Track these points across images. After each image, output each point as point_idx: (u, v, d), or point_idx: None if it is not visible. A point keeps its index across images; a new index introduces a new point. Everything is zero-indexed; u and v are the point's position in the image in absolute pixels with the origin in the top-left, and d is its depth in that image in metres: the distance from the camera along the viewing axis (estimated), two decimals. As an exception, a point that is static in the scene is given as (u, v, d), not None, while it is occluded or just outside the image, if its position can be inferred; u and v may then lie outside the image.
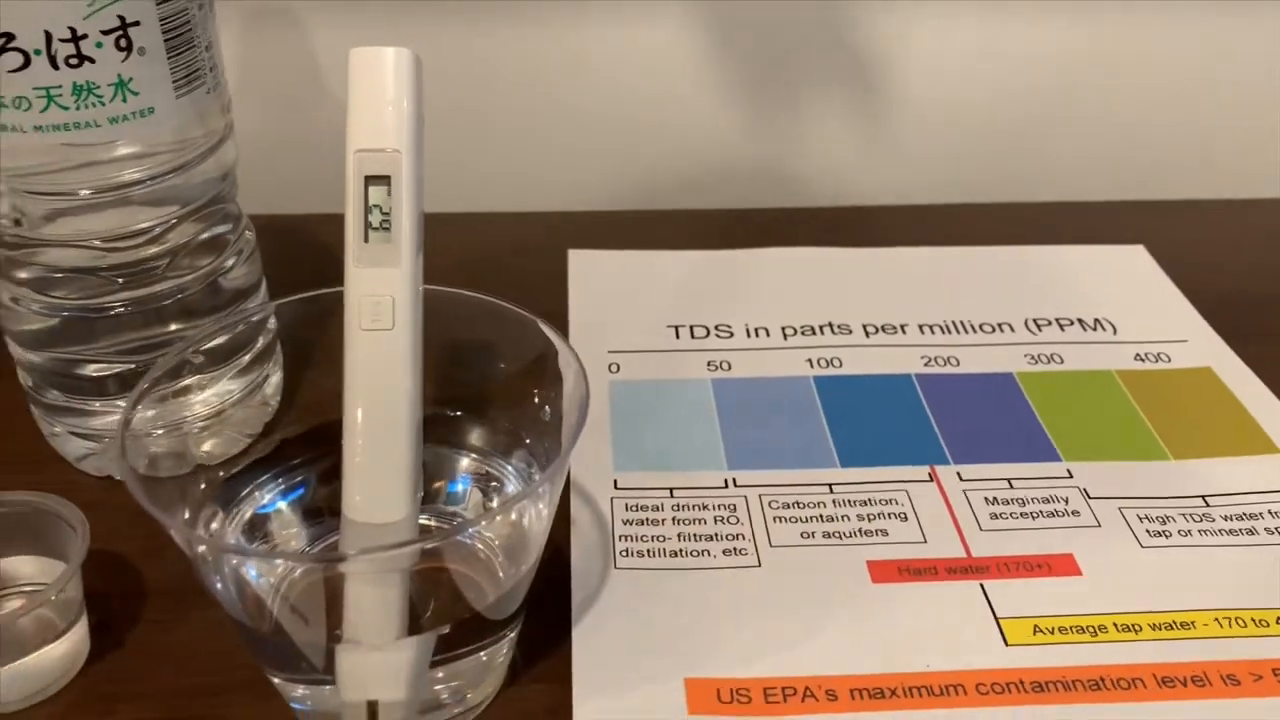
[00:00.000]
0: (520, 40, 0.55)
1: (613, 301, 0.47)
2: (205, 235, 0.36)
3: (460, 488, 0.33)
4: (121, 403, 0.37)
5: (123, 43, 0.30)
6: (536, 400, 0.32)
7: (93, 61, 0.30)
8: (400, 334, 0.29)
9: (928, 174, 0.60)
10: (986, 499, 0.37)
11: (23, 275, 0.35)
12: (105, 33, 0.30)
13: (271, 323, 0.39)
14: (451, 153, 0.59)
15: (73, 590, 0.31)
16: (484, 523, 0.32)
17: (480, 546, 0.31)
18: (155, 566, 0.35)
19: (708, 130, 0.58)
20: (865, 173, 0.59)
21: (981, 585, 0.34)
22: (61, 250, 0.34)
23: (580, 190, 0.59)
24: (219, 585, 0.28)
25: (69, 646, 0.31)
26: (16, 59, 0.29)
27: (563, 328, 0.46)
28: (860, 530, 0.36)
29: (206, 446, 0.38)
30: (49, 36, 0.29)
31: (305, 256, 0.48)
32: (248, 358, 0.38)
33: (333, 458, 0.32)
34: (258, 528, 0.32)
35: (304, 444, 0.33)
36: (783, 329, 0.46)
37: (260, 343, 0.38)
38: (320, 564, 0.30)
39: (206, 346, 0.36)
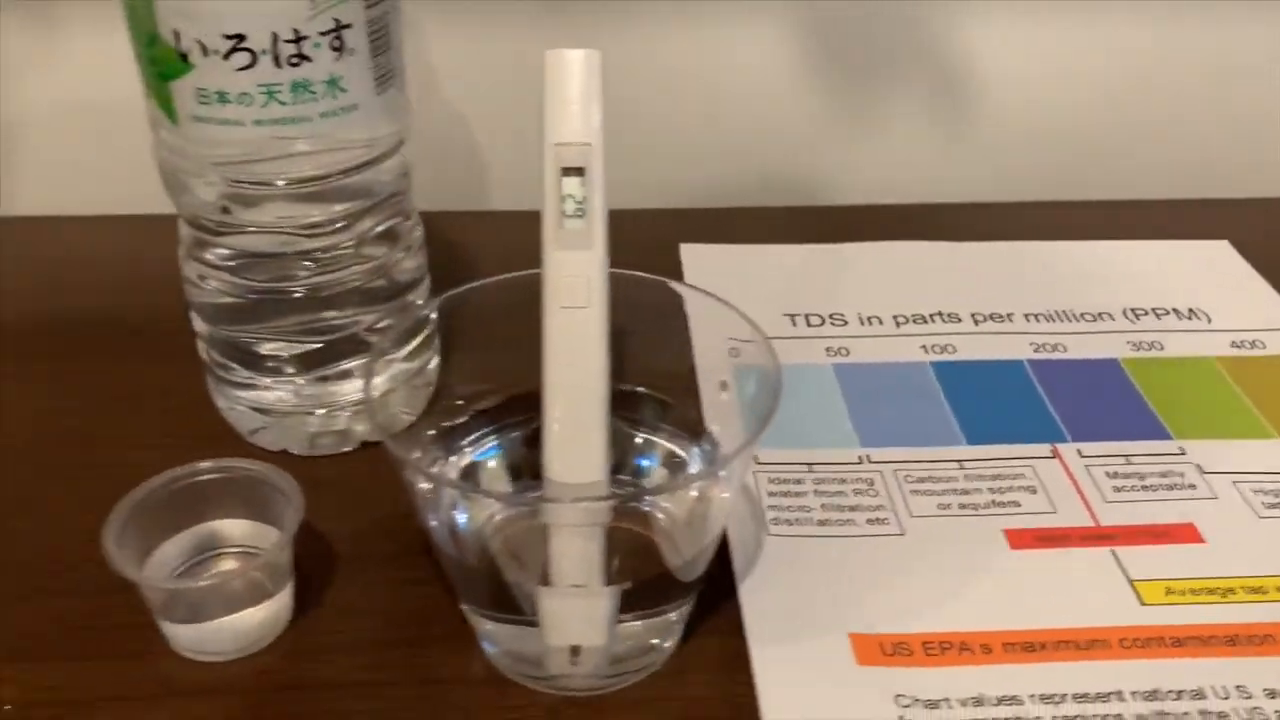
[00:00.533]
0: (615, 48, 0.58)
1: (727, 292, 0.50)
2: (383, 227, 0.38)
3: (646, 464, 0.35)
4: (298, 380, 0.39)
5: (336, 43, 0.33)
6: (723, 384, 0.34)
7: (310, 60, 0.32)
8: (594, 311, 0.32)
9: (1005, 175, 0.62)
10: (1107, 473, 0.40)
11: (213, 256, 0.37)
12: (322, 34, 0.32)
13: (435, 311, 0.41)
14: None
15: (284, 556, 0.33)
16: (668, 493, 0.35)
17: (661, 516, 0.34)
18: (339, 534, 0.37)
19: (795, 131, 0.60)
20: (946, 173, 0.62)
21: (1112, 551, 0.36)
22: (256, 236, 0.36)
23: (674, 189, 0.61)
24: (434, 523, 0.31)
25: (278, 606, 0.34)
26: (245, 58, 0.32)
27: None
28: (993, 502, 0.38)
29: (366, 424, 0.41)
30: (275, 37, 0.32)
31: (442, 250, 0.51)
32: (416, 342, 0.40)
33: (521, 426, 0.35)
34: (468, 479, 0.35)
35: (501, 412, 0.35)
36: (894, 317, 0.48)
37: (427, 329, 0.41)
38: (534, 506, 0.32)
39: (392, 339, 0.39)
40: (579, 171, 0.32)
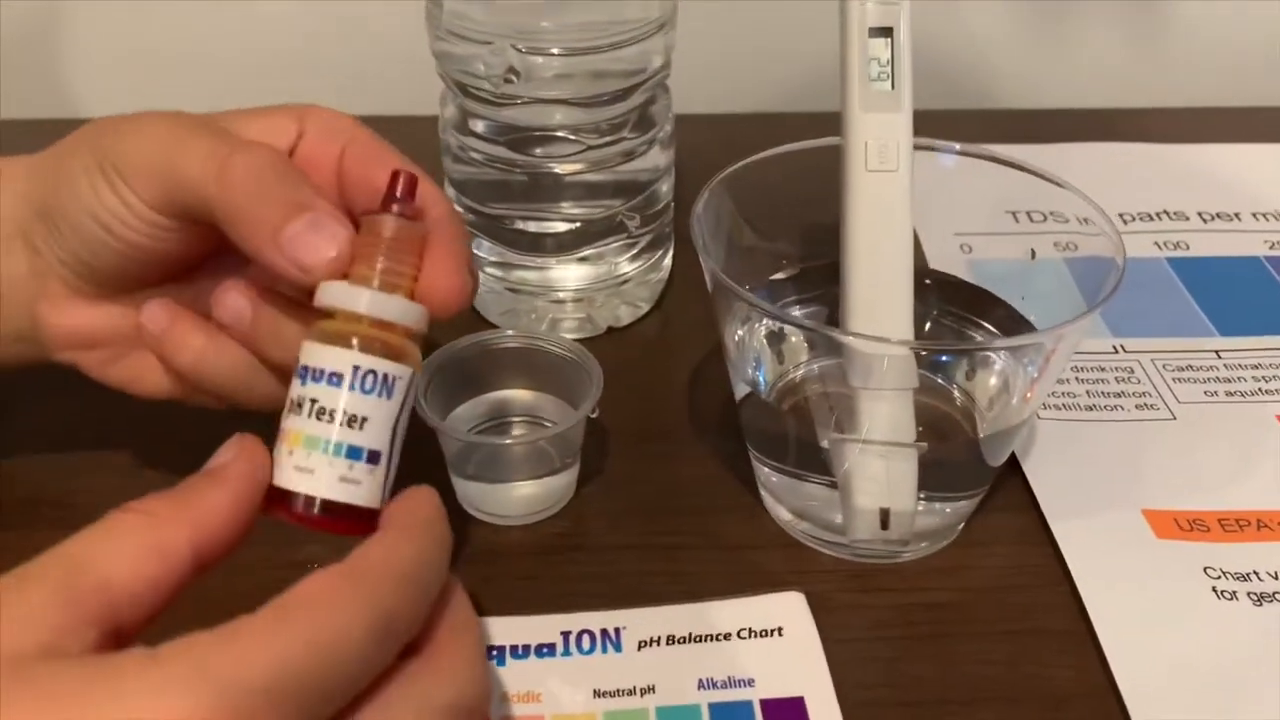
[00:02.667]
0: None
1: (945, 189, 0.49)
2: (644, 110, 0.38)
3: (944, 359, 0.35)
4: (550, 260, 0.39)
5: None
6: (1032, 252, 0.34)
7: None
8: (902, 175, 0.32)
9: (1195, 80, 0.60)
10: (1371, 365, 0.39)
11: (482, 129, 0.37)
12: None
13: (671, 209, 0.41)
14: (703, 55, 0.60)
15: (578, 431, 0.33)
16: (989, 350, 0.35)
17: (959, 395, 0.34)
18: (605, 411, 0.37)
19: (983, 32, 0.59)
20: (1134, 78, 0.60)
21: (1392, 437, 0.36)
22: (531, 107, 0.36)
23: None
24: (741, 376, 0.32)
25: (567, 478, 0.34)
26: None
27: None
28: (1260, 390, 0.38)
29: (607, 311, 0.41)
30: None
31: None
32: (655, 235, 0.40)
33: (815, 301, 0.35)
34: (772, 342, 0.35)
35: (793, 286, 0.35)
36: (1120, 215, 0.47)
37: (667, 220, 0.41)
38: (864, 340, 0.31)
39: (641, 224, 0.39)
40: (886, 32, 0.32)
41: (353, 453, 0.24)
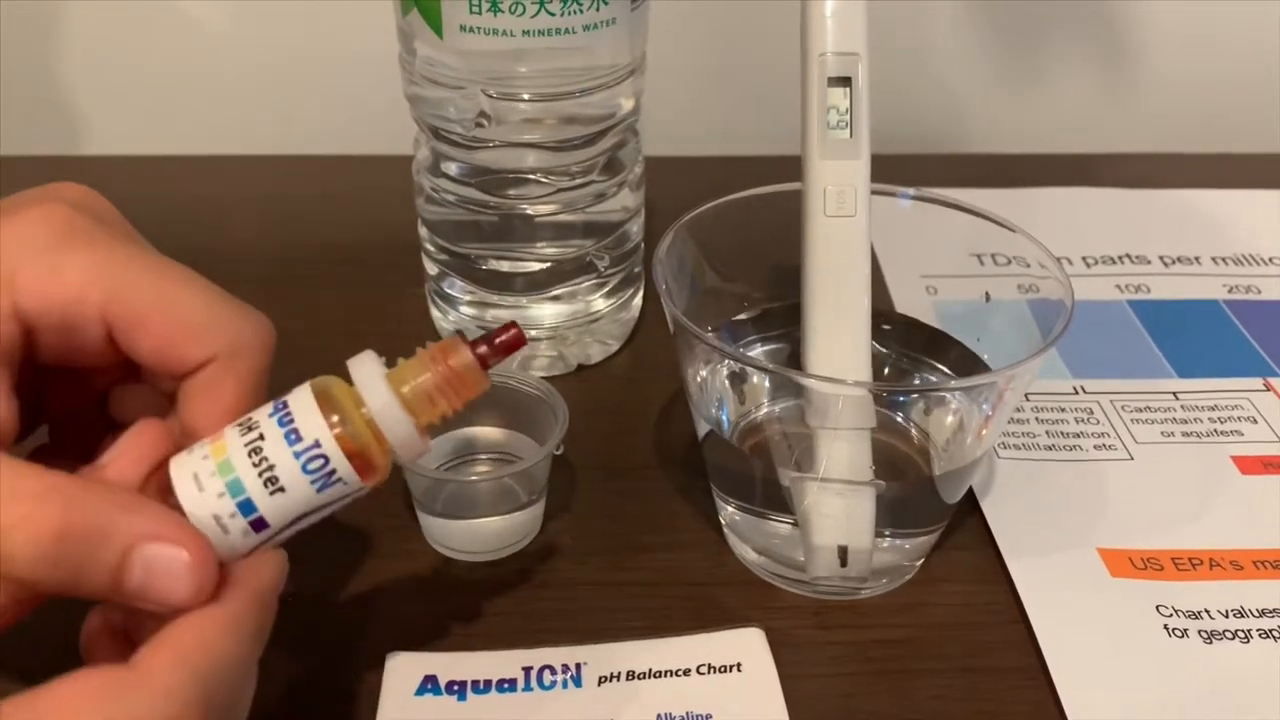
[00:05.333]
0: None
1: (912, 232, 0.50)
2: (611, 155, 0.39)
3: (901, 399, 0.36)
4: (521, 299, 0.40)
5: (604, -44, 0.33)
6: (986, 295, 0.35)
7: (580, -28, 0.33)
8: (860, 221, 0.33)
9: (1161, 127, 0.62)
10: (1326, 407, 0.40)
11: (454, 171, 0.38)
12: (595, -54, 0.33)
13: (641, 249, 0.42)
14: (683, 100, 0.62)
15: (543, 468, 0.34)
16: (969, 389, 0.35)
17: (916, 433, 0.35)
18: (570, 448, 0.37)
19: (955, 78, 0.60)
20: (1102, 124, 0.62)
21: (1345, 479, 0.37)
22: (502, 150, 0.37)
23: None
24: (702, 418, 0.33)
25: (533, 514, 0.34)
26: (523, -33, 0.32)
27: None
28: (1216, 431, 0.39)
29: (578, 349, 0.42)
30: (553, -52, 0.32)
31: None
32: (625, 274, 0.41)
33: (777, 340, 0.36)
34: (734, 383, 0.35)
35: (754, 326, 0.36)
36: (1083, 259, 0.48)
37: (637, 260, 0.42)
38: (821, 381, 0.32)
39: (610, 263, 0.40)
40: (844, 82, 0.33)
41: (246, 507, 0.23)
